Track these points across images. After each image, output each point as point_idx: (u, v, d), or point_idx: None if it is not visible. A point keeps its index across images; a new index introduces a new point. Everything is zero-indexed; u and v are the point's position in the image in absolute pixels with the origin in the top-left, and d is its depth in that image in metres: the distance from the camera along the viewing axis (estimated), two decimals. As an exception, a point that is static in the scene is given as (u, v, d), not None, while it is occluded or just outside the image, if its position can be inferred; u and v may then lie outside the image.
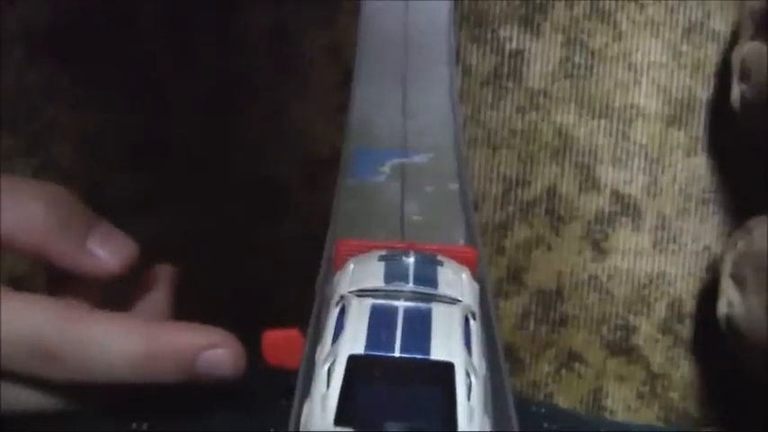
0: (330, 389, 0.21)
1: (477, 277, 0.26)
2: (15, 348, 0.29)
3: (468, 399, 0.21)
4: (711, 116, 0.44)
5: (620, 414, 0.43)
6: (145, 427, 0.30)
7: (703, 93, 0.44)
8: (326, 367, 0.21)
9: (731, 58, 0.41)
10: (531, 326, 0.44)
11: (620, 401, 0.44)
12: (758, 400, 0.40)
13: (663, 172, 0.44)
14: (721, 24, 0.44)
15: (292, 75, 0.44)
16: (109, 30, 0.44)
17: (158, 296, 0.34)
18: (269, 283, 0.43)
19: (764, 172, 0.41)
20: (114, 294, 0.33)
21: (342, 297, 0.24)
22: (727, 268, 0.40)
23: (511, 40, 0.43)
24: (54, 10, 0.43)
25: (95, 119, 0.44)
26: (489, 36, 0.43)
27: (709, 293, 0.42)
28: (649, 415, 0.44)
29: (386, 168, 0.31)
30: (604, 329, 0.44)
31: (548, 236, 0.43)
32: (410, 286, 0.24)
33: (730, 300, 0.39)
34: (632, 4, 0.43)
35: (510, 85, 0.43)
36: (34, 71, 0.43)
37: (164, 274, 0.35)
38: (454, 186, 0.31)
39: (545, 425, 0.35)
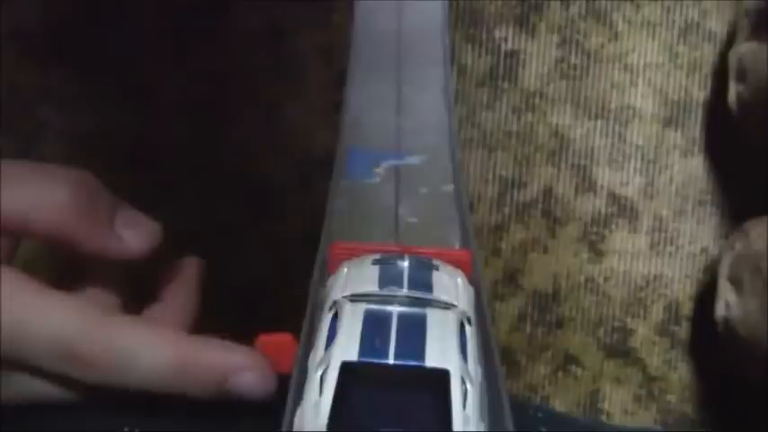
0: (323, 396, 0.21)
1: (472, 279, 0.26)
2: (46, 349, 0.29)
3: (464, 407, 0.21)
4: (708, 117, 0.44)
5: (618, 417, 0.43)
6: (136, 430, 0.30)
7: (700, 93, 0.44)
8: (319, 374, 0.21)
9: (728, 59, 0.41)
10: (528, 328, 0.43)
11: (617, 404, 0.43)
12: (756, 403, 0.39)
13: (659, 173, 0.44)
14: (717, 24, 0.43)
15: (286, 75, 0.43)
16: (101, 30, 0.43)
17: (186, 289, 0.34)
18: (265, 285, 0.43)
19: (762, 173, 0.41)
20: (144, 287, 0.34)
21: (335, 302, 0.23)
22: (724, 270, 0.40)
23: (506, 40, 0.43)
24: (46, 10, 0.43)
25: (88, 120, 0.43)
26: (484, 36, 0.43)
27: (706, 295, 0.42)
28: (647, 418, 0.43)
29: (380, 170, 0.31)
30: (601, 332, 0.43)
31: (544, 238, 0.43)
32: (405, 291, 0.24)
33: (728, 302, 0.39)
34: (628, 4, 0.43)
35: (505, 85, 0.43)
36: (25, 72, 0.43)
37: (190, 266, 0.35)
38: (449, 188, 0.31)
39: (542, 429, 0.34)
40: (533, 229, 0.43)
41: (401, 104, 0.33)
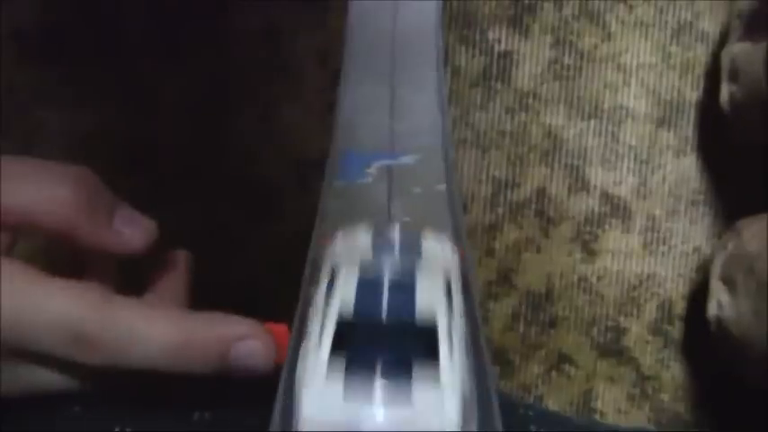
0: (322, 346, 0.22)
1: (463, 273, 0.27)
2: (51, 334, 0.29)
3: (450, 338, 0.22)
4: (701, 117, 0.44)
5: (611, 416, 0.43)
6: (128, 430, 0.30)
7: (692, 94, 0.44)
8: (317, 328, 0.23)
9: (720, 59, 0.41)
10: (521, 328, 0.44)
11: (610, 403, 0.44)
12: (748, 402, 0.39)
13: (652, 173, 0.44)
14: (710, 25, 0.44)
15: (284, 75, 0.44)
16: (99, 31, 0.44)
17: (176, 281, 0.35)
18: (261, 285, 0.43)
19: (754, 172, 0.41)
20: (133, 280, 0.34)
21: (331, 266, 0.24)
22: (716, 270, 0.40)
23: (500, 41, 0.43)
24: (45, 10, 0.43)
25: (87, 120, 0.44)
26: (478, 37, 0.43)
27: (699, 295, 0.42)
28: (640, 417, 0.44)
29: (372, 170, 0.31)
30: (594, 331, 0.44)
31: (537, 237, 0.43)
32: (396, 255, 0.25)
33: (720, 302, 0.39)
34: (621, 4, 0.43)
35: (499, 86, 0.43)
36: (25, 72, 0.43)
37: (180, 259, 0.36)
38: (442, 188, 0.31)
39: (532, 428, 0.35)
40: (527, 229, 0.43)
41: (395, 105, 0.33)
